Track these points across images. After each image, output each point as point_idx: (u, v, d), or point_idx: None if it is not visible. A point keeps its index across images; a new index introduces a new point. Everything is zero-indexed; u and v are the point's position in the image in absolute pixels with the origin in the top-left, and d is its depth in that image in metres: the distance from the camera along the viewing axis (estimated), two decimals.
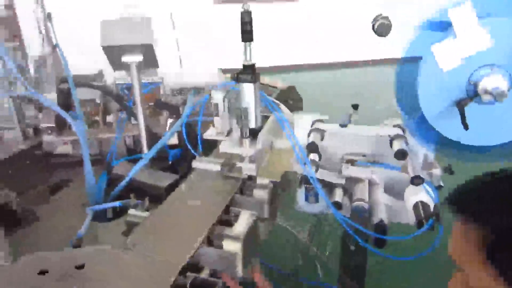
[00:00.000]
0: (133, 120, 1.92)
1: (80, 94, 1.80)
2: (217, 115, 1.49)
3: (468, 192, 0.74)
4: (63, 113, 1.62)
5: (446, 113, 1.22)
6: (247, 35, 1.38)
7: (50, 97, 1.86)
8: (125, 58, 1.63)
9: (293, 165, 1.47)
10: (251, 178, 1.46)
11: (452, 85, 1.19)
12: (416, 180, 1.24)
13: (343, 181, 1.43)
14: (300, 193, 1.48)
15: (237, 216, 1.26)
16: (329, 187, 1.45)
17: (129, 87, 2.01)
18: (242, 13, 1.36)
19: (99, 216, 1.51)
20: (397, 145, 1.32)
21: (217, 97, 1.47)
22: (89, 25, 2.69)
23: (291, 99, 2.20)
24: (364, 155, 1.47)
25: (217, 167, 1.49)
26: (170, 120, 1.94)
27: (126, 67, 1.67)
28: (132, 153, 1.91)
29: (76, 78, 1.81)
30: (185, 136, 1.67)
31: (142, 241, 1.16)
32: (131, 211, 1.36)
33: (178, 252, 1.10)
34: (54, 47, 1.98)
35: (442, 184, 1.37)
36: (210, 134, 1.54)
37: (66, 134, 1.88)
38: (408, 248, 1.36)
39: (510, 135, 1.26)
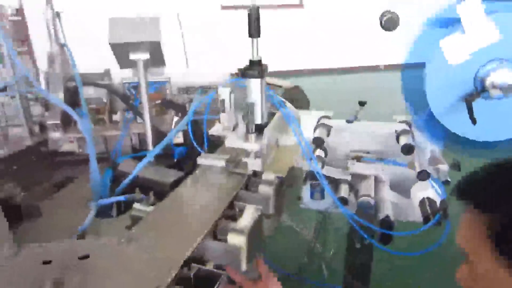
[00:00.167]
0: (138, 119, 1.93)
1: (86, 92, 1.81)
2: (223, 111, 1.50)
3: (476, 182, 0.74)
4: (70, 110, 1.62)
5: (453, 108, 1.22)
6: (254, 31, 1.38)
7: (57, 96, 1.87)
8: (133, 56, 1.64)
9: (299, 161, 1.46)
10: (256, 174, 1.45)
11: (460, 80, 1.19)
12: (422, 175, 1.23)
13: (349, 177, 1.43)
14: (306, 190, 1.47)
15: (242, 211, 1.24)
16: (335, 183, 1.44)
17: (136, 86, 2.01)
18: (250, 9, 1.36)
19: (104, 213, 1.50)
20: (404, 139, 1.31)
21: (224, 93, 1.47)
22: (97, 24, 2.71)
23: (296, 99, 2.20)
24: (369, 152, 1.47)
25: (222, 163, 1.48)
26: (176, 119, 1.94)
27: (133, 64, 1.67)
28: (138, 152, 1.91)
29: (83, 76, 1.82)
30: (191, 134, 1.67)
31: (144, 235, 1.15)
32: (136, 205, 1.34)
33: (181, 245, 1.09)
34: (62, 46, 2.00)
35: (449, 179, 1.36)
36: (216, 129, 1.54)
37: (71, 131, 1.88)
38: (415, 244, 1.35)
39: None
